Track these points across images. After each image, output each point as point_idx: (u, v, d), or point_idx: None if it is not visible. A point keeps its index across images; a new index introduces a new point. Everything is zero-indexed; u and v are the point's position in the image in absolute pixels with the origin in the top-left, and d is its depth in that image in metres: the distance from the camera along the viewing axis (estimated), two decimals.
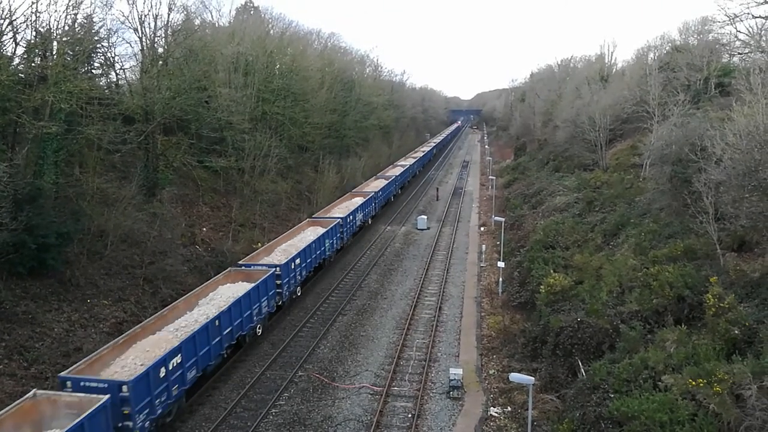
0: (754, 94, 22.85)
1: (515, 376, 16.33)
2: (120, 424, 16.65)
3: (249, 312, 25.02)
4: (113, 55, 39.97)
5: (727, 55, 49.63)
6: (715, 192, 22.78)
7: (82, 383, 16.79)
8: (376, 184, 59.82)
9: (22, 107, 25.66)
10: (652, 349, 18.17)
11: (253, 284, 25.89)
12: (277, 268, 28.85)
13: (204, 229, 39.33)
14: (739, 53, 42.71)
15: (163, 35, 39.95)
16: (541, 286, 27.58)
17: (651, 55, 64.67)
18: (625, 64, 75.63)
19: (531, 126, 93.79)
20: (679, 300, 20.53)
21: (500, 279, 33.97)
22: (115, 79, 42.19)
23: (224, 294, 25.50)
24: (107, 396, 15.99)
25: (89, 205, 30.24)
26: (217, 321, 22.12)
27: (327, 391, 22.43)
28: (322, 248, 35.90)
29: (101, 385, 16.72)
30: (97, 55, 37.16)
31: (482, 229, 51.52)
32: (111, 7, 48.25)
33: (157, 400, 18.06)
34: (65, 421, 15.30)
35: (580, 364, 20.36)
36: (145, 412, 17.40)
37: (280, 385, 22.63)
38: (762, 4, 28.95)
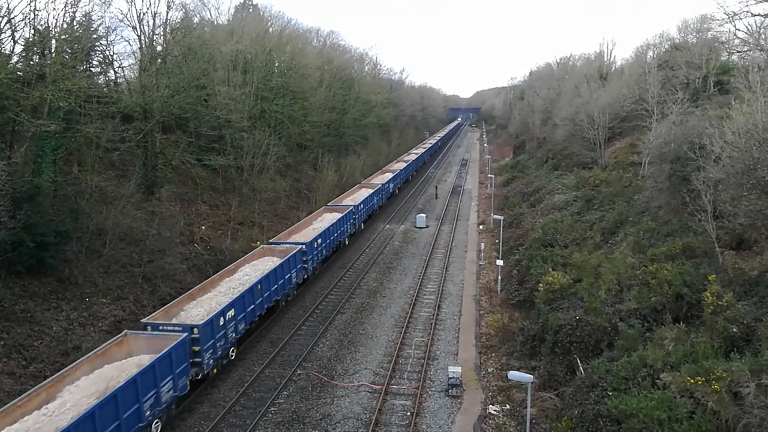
0: (753, 93, 22.85)
1: (514, 374, 16.35)
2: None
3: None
4: (112, 53, 40.05)
5: (726, 54, 49.63)
6: (714, 190, 22.78)
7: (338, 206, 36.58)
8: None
9: (20, 105, 25.62)
10: (651, 347, 18.19)
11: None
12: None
13: (203, 227, 39.32)
14: (738, 51, 42.71)
15: (162, 33, 39.94)
16: (540, 284, 27.59)
17: (650, 53, 64.66)
18: (624, 63, 75.71)
19: (530, 124, 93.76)
20: (677, 298, 20.54)
21: (499, 277, 34.00)
22: (113, 78, 42.21)
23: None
24: (351, 207, 36.60)
25: (88, 204, 30.22)
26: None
27: (326, 389, 22.45)
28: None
29: (348, 206, 38.63)
30: (95, 53, 37.13)
31: (481, 227, 51.53)
32: (109, 5, 48.45)
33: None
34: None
35: (579, 362, 20.38)
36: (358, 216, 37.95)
37: (279, 383, 22.65)
38: (761, 2, 28.92)
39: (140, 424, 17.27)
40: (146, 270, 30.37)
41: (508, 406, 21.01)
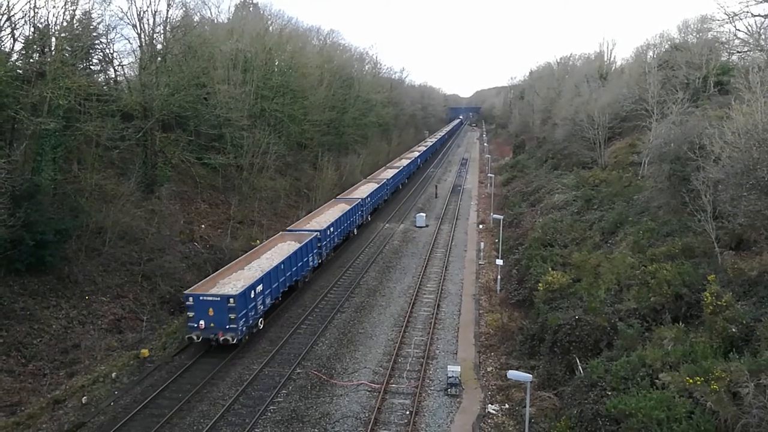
0: (753, 93, 22.86)
1: (513, 374, 16.35)
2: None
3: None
4: (112, 52, 40.13)
5: (726, 54, 49.61)
6: (714, 190, 22.79)
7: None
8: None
9: (20, 103, 25.65)
10: (650, 347, 18.20)
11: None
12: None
13: (202, 226, 39.32)
14: (738, 52, 42.69)
15: (162, 31, 39.97)
16: (540, 284, 27.61)
17: (650, 53, 64.74)
18: (625, 63, 75.89)
19: (530, 124, 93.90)
20: (676, 298, 20.55)
21: (498, 276, 34.01)
22: (113, 76, 42.26)
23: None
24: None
25: (87, 202, 30.23)
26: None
27: (325, 388, 22.45)
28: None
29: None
30: (95, 51, 37.22)
31: (481, 226, 51.52)
32: (110, 3, 48.51)
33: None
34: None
35: (578, 361, 20.39)
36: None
37: (279, 382, 22.65)
38: (761, 2, 28.95)
39: None
40: (146, 268, 30.38)
41: (507, 406, 21.02)
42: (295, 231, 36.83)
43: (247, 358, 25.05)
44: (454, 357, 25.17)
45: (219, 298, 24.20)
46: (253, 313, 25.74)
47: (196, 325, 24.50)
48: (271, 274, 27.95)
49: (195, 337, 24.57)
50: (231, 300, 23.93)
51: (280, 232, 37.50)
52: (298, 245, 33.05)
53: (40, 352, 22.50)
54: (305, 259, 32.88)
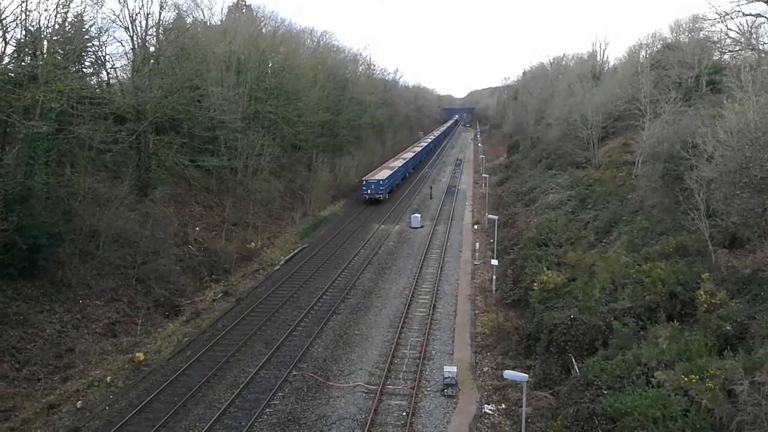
0: (745, 92, 23.00)
1: (509, 374, 16.37)
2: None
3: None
4: (104, 54, 39.87)
5: (717, 53, 49.92)
6: (707, 189, 22.86)
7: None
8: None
9: (12, 107, 25.50)
10: (645, 346, 18.26)
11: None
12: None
13: (197, 228, 39.20)
14: (729, 51, 42.99)
15: (155, 34, 39.87)
16: (535, 284, 27.66)
17: (643, 53, 65.04)
18: (617, 62, 76.05)
19: (524, 124, 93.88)
20: (671, 296, 20.61)
21: (494, 277, 34.05)
22: (106, 78, 42.06)
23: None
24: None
25: (81, 206, 30.09)
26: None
27: (321, 390, 22.42)
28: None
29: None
30: (87, 54, 37.02)
31: (476, 227, 51.61)
32: (102, 5, 48.14)
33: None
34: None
35: (574, 360, 20.44)
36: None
37: (275, 384, 22.59)
38: (752, 1, 29.17)
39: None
40: (140, 272, 30.26)
41: (503, 406, 21.04)
42: (389, 165, 75.23)
43: (242, 360, 24.99)
44: (450, 357, 25.18)
45: (377, 180, 61.61)
46: (386, 189, 62.81)
47: (366, 192, 61.56)
48: (390, 176, 64.39)
49: (366, 197, 61.07)
50: (381, 181, 61.26)
51: (381, 165, 77.40)
52: (390, 171, 68.82)
53: (34, 357, 22.36)
54: (396, 176, 69.12)
